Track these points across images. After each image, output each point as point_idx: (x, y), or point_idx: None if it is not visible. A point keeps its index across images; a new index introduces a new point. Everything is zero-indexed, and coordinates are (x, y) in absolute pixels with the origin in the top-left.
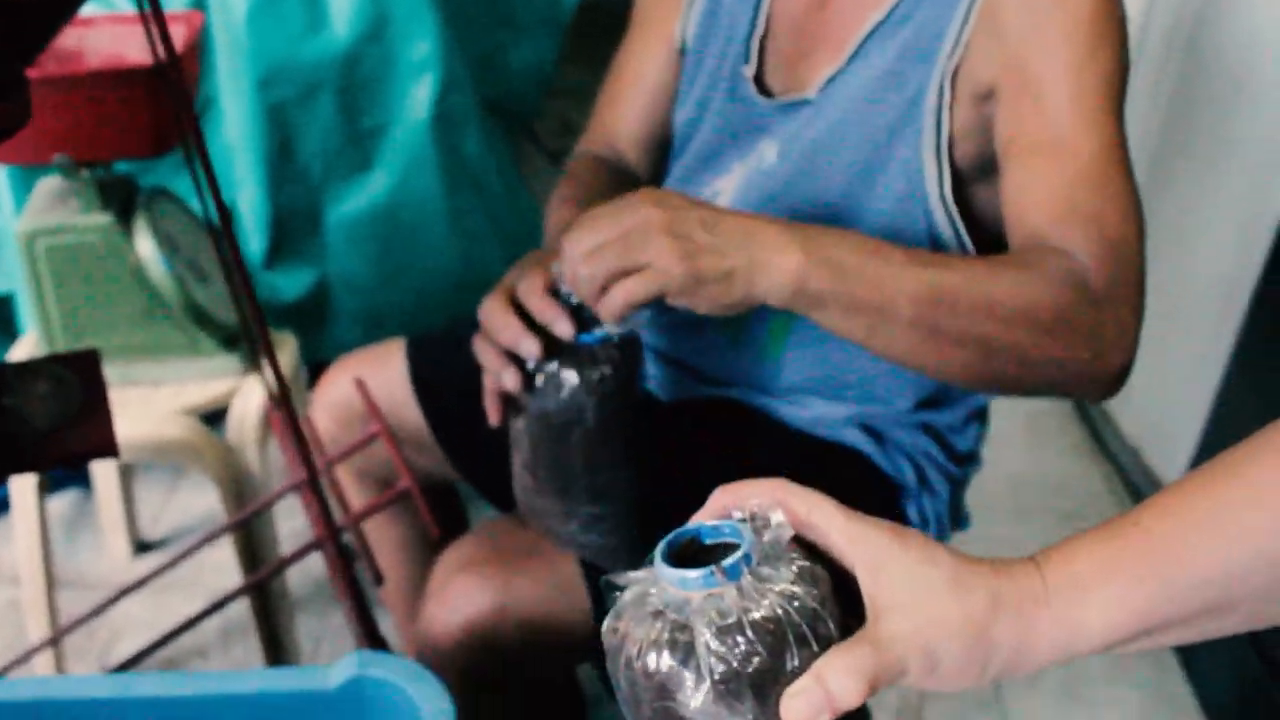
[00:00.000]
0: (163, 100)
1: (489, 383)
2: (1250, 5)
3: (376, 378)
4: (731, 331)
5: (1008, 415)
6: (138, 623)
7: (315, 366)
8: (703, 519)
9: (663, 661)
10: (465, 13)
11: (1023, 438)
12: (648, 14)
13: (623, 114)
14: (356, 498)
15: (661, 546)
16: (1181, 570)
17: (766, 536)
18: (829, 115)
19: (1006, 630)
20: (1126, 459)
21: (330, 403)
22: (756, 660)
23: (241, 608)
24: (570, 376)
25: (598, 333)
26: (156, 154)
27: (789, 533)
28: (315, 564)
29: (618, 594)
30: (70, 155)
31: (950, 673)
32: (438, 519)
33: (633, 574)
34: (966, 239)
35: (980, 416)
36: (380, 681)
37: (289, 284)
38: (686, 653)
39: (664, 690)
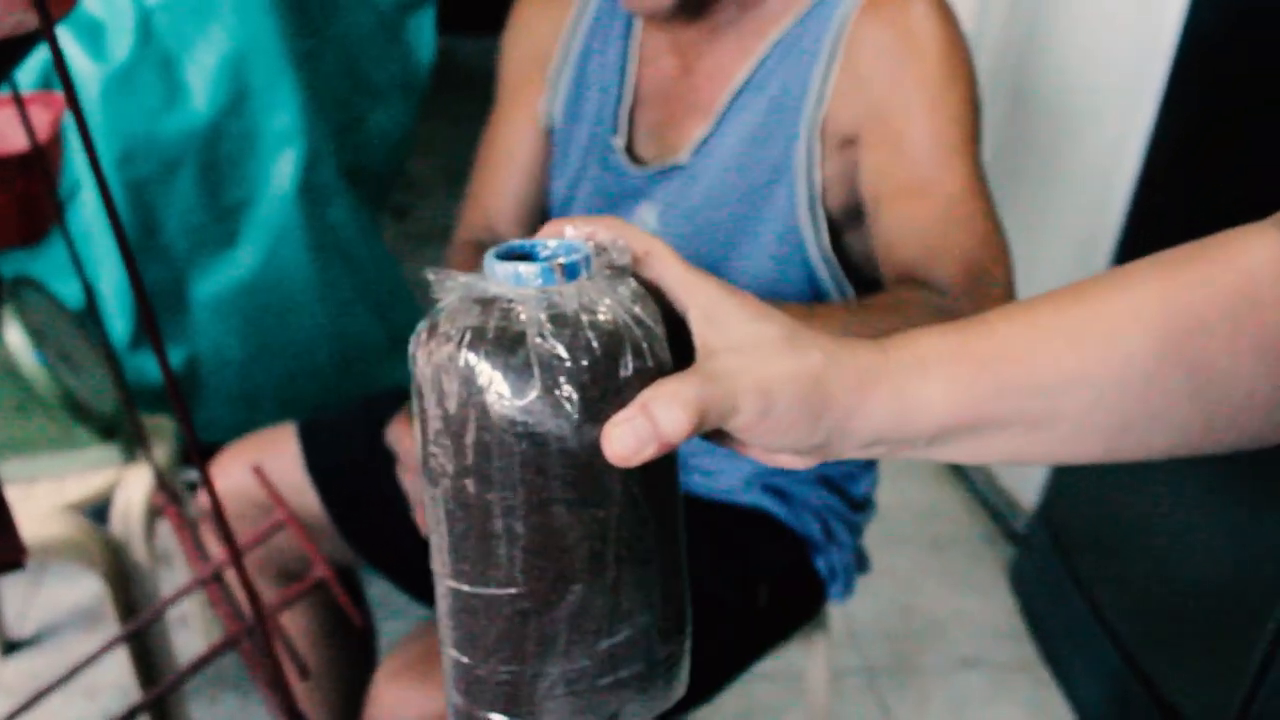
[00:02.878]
0: (30, 189)
1: (413, 495)
2: (1063, 44)
3: (270, 465)
4: None
5: None
6: None
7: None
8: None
9: (487, 349)
10: (324, 83)
11: (885, 469)
12: (512, 94)
13: (497, 194)
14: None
15: (491, 252)
16: (1018, 368)
17: (603, 259)
18: (703, 178)
19: (841, 386)
20: (982, 482)
21: (223, 492)
22: (588, 359)
23: (124, 700)
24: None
25: None
26: (28, 244)
27: (627, 258)
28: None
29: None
30: None
31: (782, 420)
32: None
33: (460, 276)
34: (847, 285)
35: (871, 463)
36: None
37: (155, 366)
38: (515, 345)
39: (484, 386)
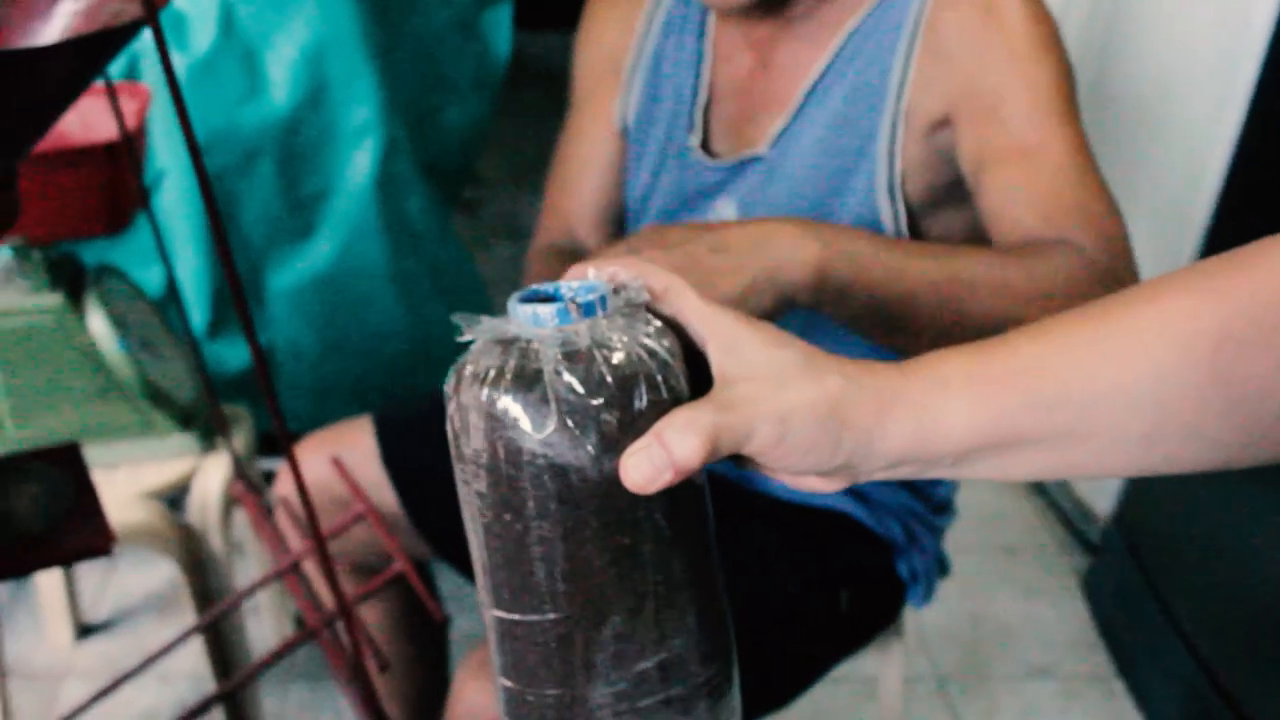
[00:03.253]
0: (117, 177)
1: None
2: (1145, 45)
3: (345, 458)
4: None
5: None
6: (88, 712)
7: (261, 438)
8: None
9: (507, 386)
10: (402, 77)
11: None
12: (587, 98)
13: (575, 198)
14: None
15: (514, 296)
16: (1045, 384)
17: (621, 297)
18: (782, 168)
19: (860, 409)
20: (1055, 489)
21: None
22: (603, 393)
23: (196, 687)
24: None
25: None
26: (113, 232)
27: (644, 296)
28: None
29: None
30: (24, 236)
31: (799, 445)
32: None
33: (485, 319)
34: None
35: None
36: None
37: (234, 355)
38: (534, 381)
39: (507, 422)
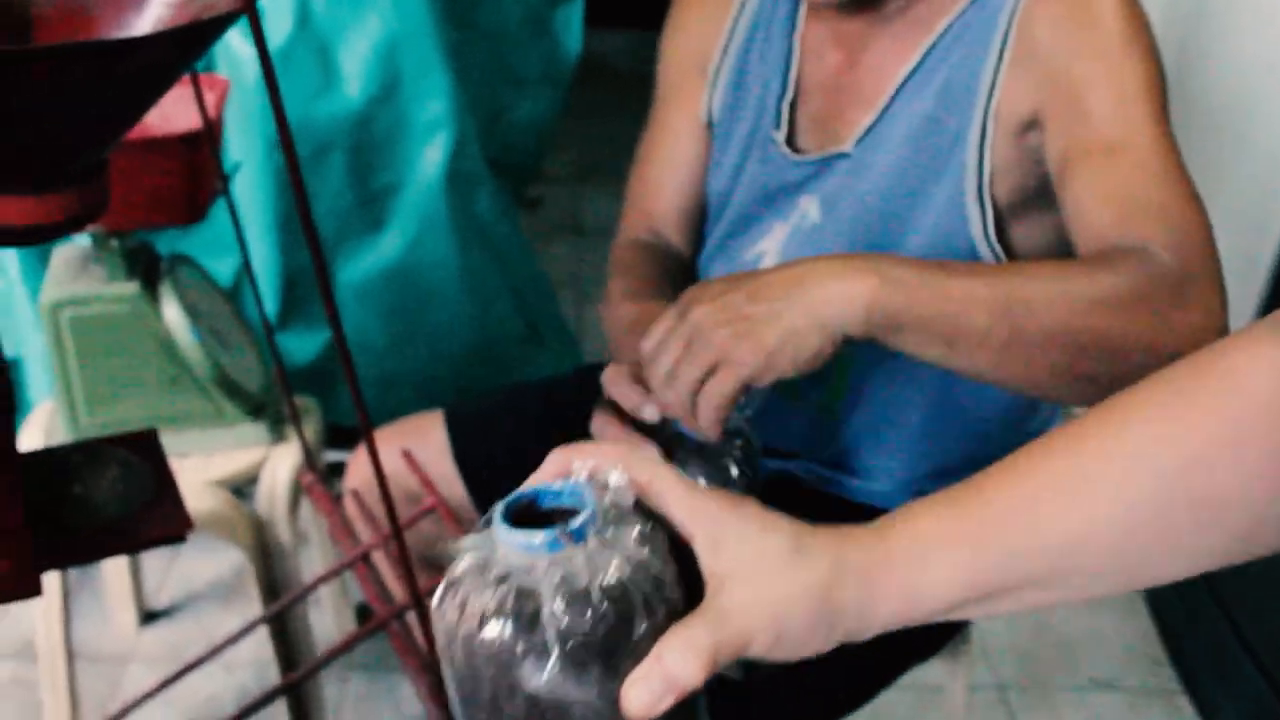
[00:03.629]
0: (196, 167)
1: None
2: (1223, 51)
3: (416, 451)
4: (789, 389)
5: None
6: (154, 698)
7: (328, 430)
8: (541, 479)
9: (506, 631)
10: (474, 72)
11: None
12: (672, 94)
13: (658, 194)
14: (396, 580)
15: (499, 509)
16: (1019, 537)
17: (607, 499)
18: (868, 166)
19: (849, 595)
20: None
21: (369, 478)
22: (604, 628)
23: (259, 675)
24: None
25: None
26: (192, 220)
27: (630, 497)
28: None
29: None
30: (104, 225)
31: (795, 640)
32: None
33: (467, 538)
34: None
35: None
36: None
37: (301, 347)
38: (532, 622)
39: (507, 663)
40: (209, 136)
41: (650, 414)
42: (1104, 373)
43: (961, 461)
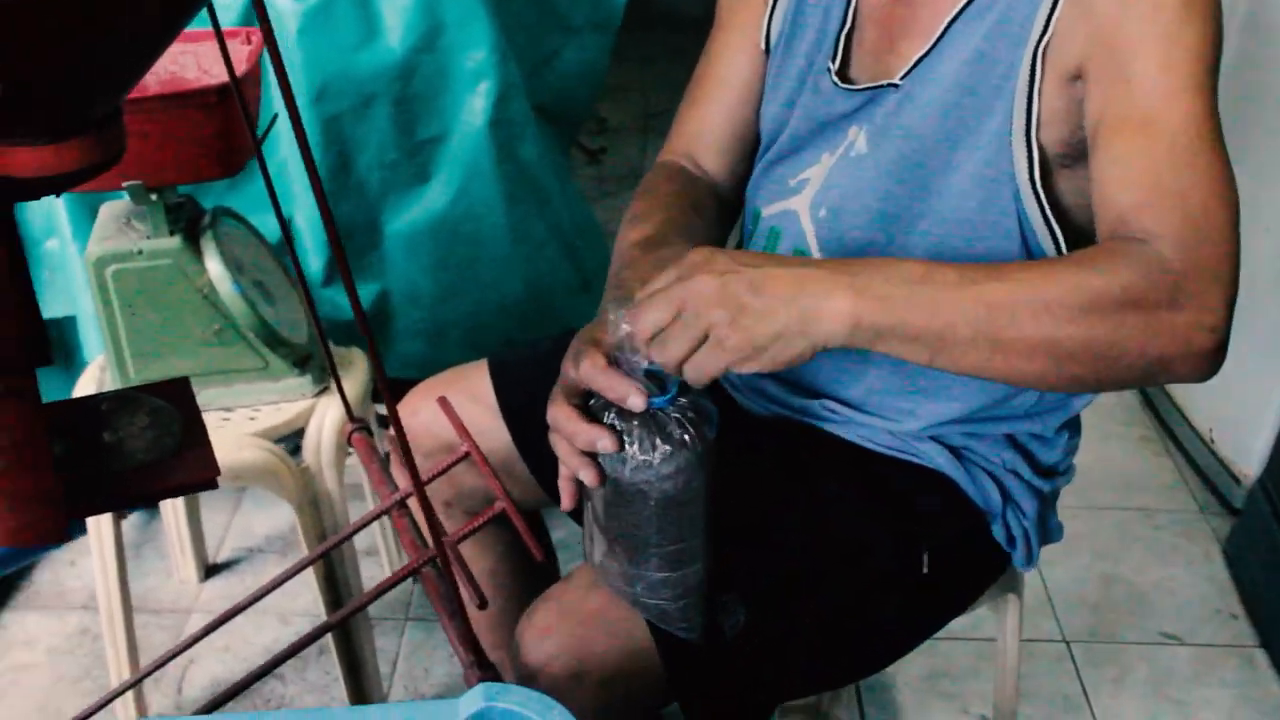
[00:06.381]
0: (230, 121)
1: (563, 470)
2: None
3: (462, 403)
4: None
5: None
6: (208, 646)
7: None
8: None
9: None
10: (518, 19)
11: (1088, 431)
12: (731, 17)
13: (706, 117)
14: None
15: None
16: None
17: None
18: (916, 98)
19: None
20: (1197, 451)
21: (414, 429)
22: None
23: (311, 623)
24: (647, 447)
25: (669, 393)
26: (227, 175)
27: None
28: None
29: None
30: (140, 180)
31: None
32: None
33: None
34: (1055, 224)
35: (1072, 425)
36: (509, 713)
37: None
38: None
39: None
40: (237, 90)
41: (636, 403)
42: (1092, 374)
43: (986, 407)
